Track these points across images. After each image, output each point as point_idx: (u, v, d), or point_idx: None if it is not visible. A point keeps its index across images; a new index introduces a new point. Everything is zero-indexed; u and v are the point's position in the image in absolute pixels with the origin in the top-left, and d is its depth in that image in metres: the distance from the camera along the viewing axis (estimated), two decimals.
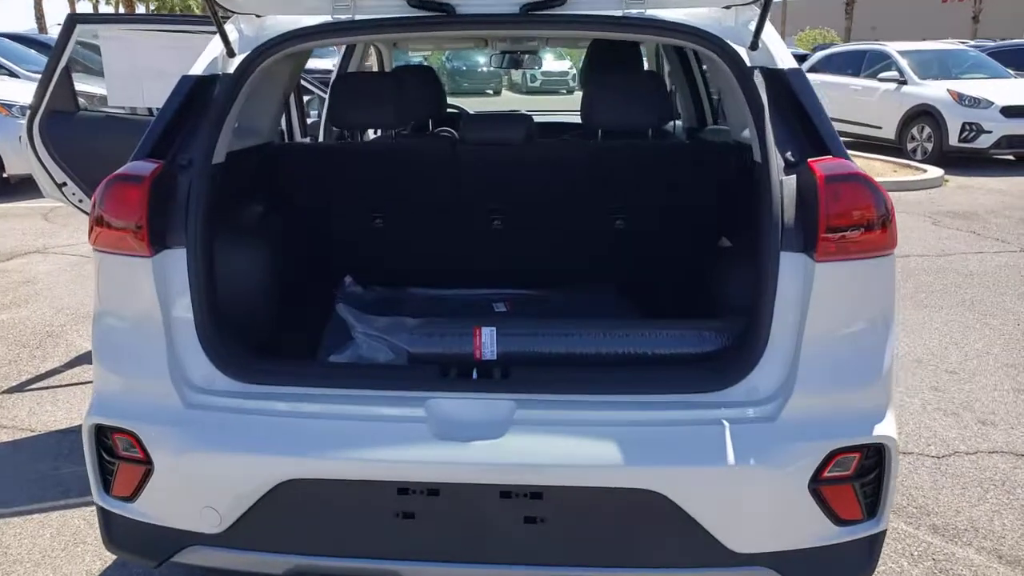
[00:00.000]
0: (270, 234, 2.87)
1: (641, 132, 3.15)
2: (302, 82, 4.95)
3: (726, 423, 1.97)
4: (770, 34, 2.34)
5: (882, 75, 12.94)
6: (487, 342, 2.32)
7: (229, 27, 2.48)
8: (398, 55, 6.45)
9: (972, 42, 21.73)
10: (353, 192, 3.19)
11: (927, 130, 11.99)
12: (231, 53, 2.40)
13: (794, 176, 2.08)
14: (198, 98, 2.32)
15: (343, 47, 5.13)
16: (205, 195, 2.17)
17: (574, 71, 26.80)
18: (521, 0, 2.33)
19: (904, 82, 12.54)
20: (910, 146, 12.20)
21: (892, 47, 13.41)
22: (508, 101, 23.68)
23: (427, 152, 3.19)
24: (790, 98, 2.21)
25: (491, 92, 25.89)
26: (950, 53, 13.97)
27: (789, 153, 2.11)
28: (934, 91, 12.08)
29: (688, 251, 3.11)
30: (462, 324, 2.41)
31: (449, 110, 5.01)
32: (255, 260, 2.68)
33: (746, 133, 2.53)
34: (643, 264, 3.28)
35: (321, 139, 4.85)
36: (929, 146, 11.93)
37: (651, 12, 2.37)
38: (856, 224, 1.99)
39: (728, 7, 2.40)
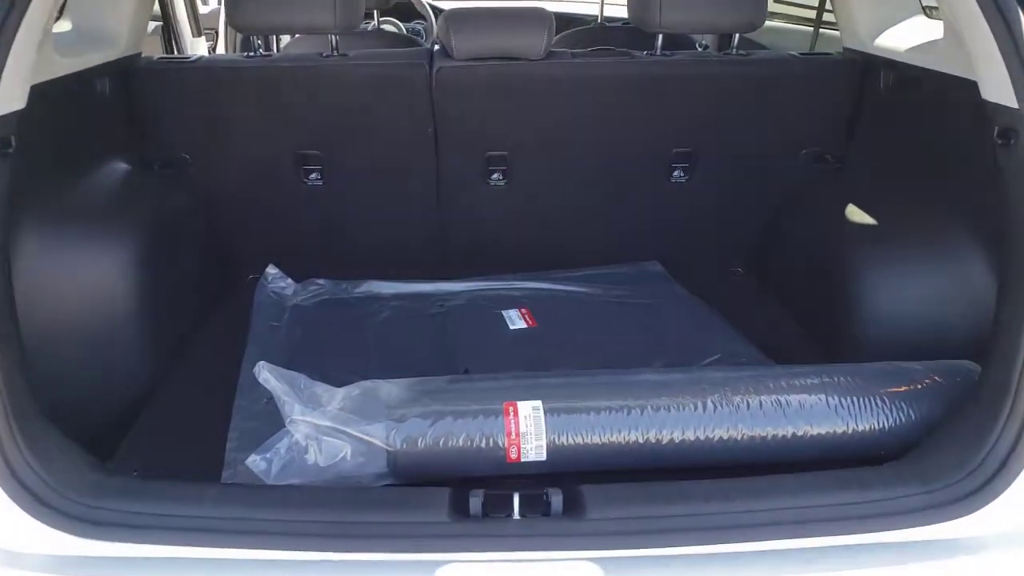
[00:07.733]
0: (133, 217, 1.91)
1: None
2: None
3: None
4: None
5: None
6: (528, 430, 1.49)
7: None
8: None
9: None
10: (273, 135, 2.28)
11: None
12: None
13: None
14: None
15: None
16: None
17: None
18: None
19: None
20: None
21: None
22: None
23: (389, 74, 2.26)
24: None
25: None
26: None
27: None
28: None
29: (799, 226, 2.32)
30: (476, 388, 1.58)
31: None
32: (105, 271, 1.74)
33: (919, 56, 1.82)
34: (707, 239, 2.49)
35: (221, 47, 3.65)
36: None
37: None
38: None
39: None
